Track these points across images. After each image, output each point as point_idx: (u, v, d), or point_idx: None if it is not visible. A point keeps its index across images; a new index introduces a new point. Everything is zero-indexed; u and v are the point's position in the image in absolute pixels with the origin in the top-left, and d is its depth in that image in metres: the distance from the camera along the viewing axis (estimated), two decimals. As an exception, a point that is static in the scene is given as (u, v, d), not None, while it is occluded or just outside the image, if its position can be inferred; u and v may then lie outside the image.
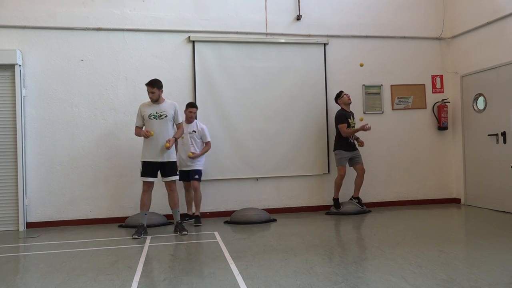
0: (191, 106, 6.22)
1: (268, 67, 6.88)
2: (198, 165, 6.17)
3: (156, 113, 5.40)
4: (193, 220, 6.17)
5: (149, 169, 5.37)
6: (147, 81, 5.42)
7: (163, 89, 5.48)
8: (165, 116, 5.41)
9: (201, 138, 6.20)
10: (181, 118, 5.61)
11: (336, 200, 6.72)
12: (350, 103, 6.74)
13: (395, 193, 7.31)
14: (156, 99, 5.42)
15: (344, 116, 6.60)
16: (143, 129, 5.44)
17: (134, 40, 6.54)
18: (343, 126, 6.56)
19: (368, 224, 5.92)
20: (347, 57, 7.19)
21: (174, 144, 5.46)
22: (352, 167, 6.80)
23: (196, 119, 6.28)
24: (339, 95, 6.77)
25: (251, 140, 6.78)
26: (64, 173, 6.29)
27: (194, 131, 6.18)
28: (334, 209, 6.71)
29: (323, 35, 7.10)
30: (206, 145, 6.27)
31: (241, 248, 4.70)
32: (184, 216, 6.18)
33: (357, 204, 6.72)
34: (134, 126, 5.57)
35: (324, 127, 7.06)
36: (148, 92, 5.39)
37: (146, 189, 5.41)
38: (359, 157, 6.77)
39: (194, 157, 6.07)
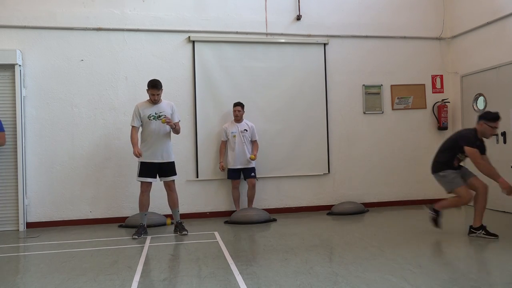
0: (236, 104, 6.41)
1: (268, 67, 6.88)
2: (254, 163, 6.42)
3: (155, 113, 5.38)
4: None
5: (147, 169, 5.35)
6: (149, 84, 5.35)
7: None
8: (164, 117, 5.39)
9: (250, 137, 6.47)
10: (178, 117, 5.57)
11: (481, 226, 4.85)
12: (486, 138, 5.07)
13: (395, 193, 7.31)
14: (158, 100, 5.41)
15: (474, 140, 4.88)
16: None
17: (134, 40, 6.54)
18: (475, 152, 4.78)
19: (368, 224, 5.92)
20: (347, 57, 7.19)
21: (172, 143, 5.49)
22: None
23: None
24: (490, 119, 4.88)
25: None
26: (64, 173, 6.29)
27: (246, 130, 6.41)
28: (483, 234, 4.78)
29: (323, 35, 7.10)
30: (256, 144, 6.51)
31: (241, 248, 4.70)
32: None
33: (485, 235, 4.76)
34: (131, 128, 5.45)
35: (324, 127, 7.06)
36: (153, 94, 5.34)
37: (144, 189, 5.39)
38: (468, 171, 5.11)
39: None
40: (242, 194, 6.55)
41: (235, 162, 6.34)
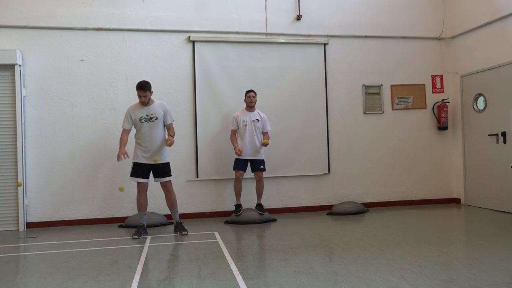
0: (250, 91, 6.26)
1: (268, 67, 6.88)
2: (263, 155, 6.25)
3: (147, 115, 5.35)
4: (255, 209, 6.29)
5: (140, 170, 5.34)
6: (136, 85, 5.28)
7: (152, 89, 5.39)
8: (156, 118, 5.35)
9: (261, 127, 6.28)
10: (171, 118, 5.50)
11: None
12: None
13: (395, 193, 7.31)
14: (147, 102, 5.36)
15: None
16: (125, 149, 5.33)
17: (134, 40, 6.54)
18: None
19: (368, 224, 5.92)
20: (347, 57, 7.19)
21: (166, 145, 5.40)
22: None
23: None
24: None
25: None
26: (64, 173, 6.29)
27: (258, 120, 6.23)
28: None
29: (323, 35, 7.10)
30: (267, 135, 6.30)
31: (241, 248, 4.70)
32: (238, 207, 6.19)
33: None
34: (122, 130, 5.43)
35: (324, 127, 7.06)
36: (141, 96, 5.26)
37: (140, 190, 5.39)
38: None
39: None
40: (245, 187, 6.46)
41: (243, 152, 6.14)
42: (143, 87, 5.25)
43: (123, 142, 5.34)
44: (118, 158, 5.20)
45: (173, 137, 5.39)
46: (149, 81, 5.36)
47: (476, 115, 7.00)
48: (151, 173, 5.45)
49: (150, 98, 5.37)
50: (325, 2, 7.14)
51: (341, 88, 7.15)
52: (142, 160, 5.33)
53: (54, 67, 6.31)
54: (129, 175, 5.42)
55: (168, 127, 5.48)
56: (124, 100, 6.42)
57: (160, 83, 6.41)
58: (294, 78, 6.97)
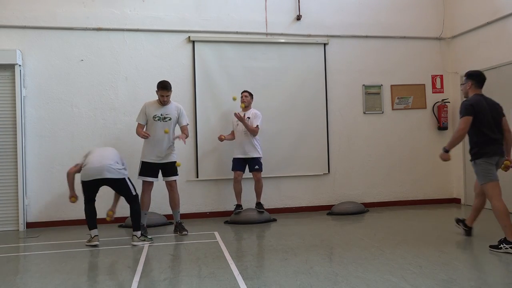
0: (244, 91, 6.31)
1: (268, 67, 6.88)
2: (258, 152, 6.22)
3: (161, 115, 5.38)
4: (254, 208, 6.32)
5: (148, 169, 5.37)
6: (158, 85, 5.31)
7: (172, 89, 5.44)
8: (169, 119, 5.40)
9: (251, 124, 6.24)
10: (186, 121, 5.56)
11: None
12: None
13: (395, 193, 7.31)
14: (167, 102, 5.39)
15: (471, 108, 4.39)
16: (144, 129, 5.42)
17: (134, 40, 6.54)
18: (465, 120, 4.37)
19: (368, 224, 5.92)
20: (347, 57, 7.19)
21: (172, 142, 5.44)
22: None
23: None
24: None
25: (251, 140, 6.76)
26: (64, 173, 6.20)
27: (249, 118, 6.21)
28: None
29: (323, 35, 7.10)
30: (256, 127, 6.20)
31: (241, 248, 4.70)
32: (237, 207, 6.21)
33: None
34: (137, 124, 5.44)
35: (324, 127, 7.06)
36: (163, 96, 5.31)
37: (145, 189, 5.41)
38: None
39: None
40: (245, 187, 6.44)
41: (237, 151, 6.19)
42: (166, 87, 5.31)
43: (140, 131, 5.36)
44: (144, 136, 5.25)
45: (187, 137, 5.50)
46: (169, 81, 5.39)
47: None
48: (159, 173, 5.48)
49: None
50: (325, 2, 7.14)
51: (341, 88, 7.15)
52: (150, 159, 5.35)
53: (54, 67, 6.31)
54: (138, 174, 5.41)
55: (183, 129, 5.52)
56: (124, 100, 6.43)
57: (160, 83, 6.41)
58: (294, 78, 6.97)
